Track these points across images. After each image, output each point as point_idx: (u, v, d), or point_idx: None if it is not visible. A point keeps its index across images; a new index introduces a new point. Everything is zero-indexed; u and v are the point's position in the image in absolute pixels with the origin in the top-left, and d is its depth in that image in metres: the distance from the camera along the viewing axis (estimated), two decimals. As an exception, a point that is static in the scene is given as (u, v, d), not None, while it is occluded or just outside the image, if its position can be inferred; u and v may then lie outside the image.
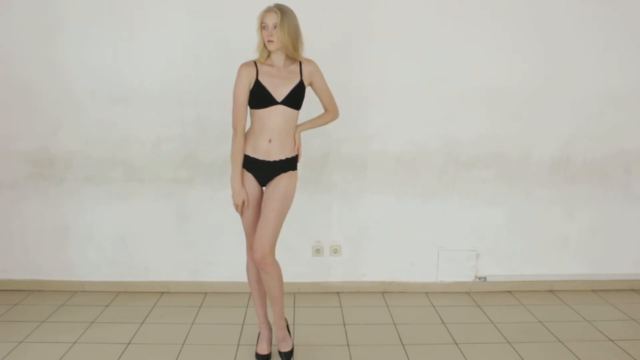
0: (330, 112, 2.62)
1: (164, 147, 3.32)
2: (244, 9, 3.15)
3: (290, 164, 2.53)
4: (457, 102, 3.30)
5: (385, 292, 3.49)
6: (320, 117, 2.62)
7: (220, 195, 3.36)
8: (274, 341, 2.71)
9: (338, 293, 3.48)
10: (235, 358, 2.64)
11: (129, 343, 2.79)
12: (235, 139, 2.46)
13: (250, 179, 2.52)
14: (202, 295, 3.42)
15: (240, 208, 2.51)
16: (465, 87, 3.29)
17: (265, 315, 2.69)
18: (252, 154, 2.49)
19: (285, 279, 2.61)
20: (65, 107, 3.27)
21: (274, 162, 2.49)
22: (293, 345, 2.69)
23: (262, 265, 2.46)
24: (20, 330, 2.91)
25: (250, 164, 2.50)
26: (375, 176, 3.37)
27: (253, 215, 2.54)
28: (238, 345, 2.78)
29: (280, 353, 2.63)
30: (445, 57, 3.25)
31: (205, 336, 2.88)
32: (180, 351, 2.70)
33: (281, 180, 2.50)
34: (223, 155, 3.32)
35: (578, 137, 3.38)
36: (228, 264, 3.44)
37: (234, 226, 3.38)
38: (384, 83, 3.28)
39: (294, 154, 2.54)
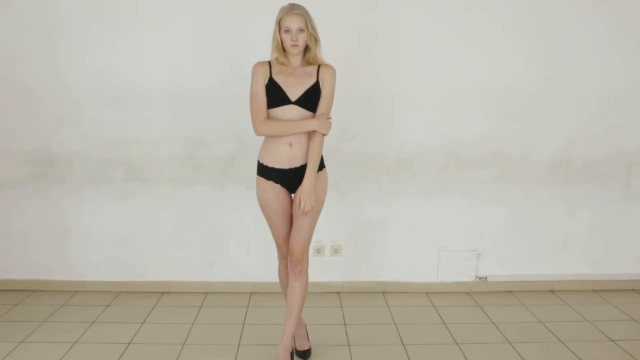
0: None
1: (164, 147, 3.31)
2: (243, 9, 3.16)
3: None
4: (457, 102, 3.30)
5: (386, 292, 3.48)
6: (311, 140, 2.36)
7: (220, 195, 3.36)
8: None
9: (338, 293, 3.47)
10: (235, 358, 2.64)
11: (129, 343, 2.79)
12: (264, 125, 2.31)
13: (277, 189, 2.41)
14: (202, 295, 3.42)
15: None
16: (465, 87, 3.28)
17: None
18: (275, 164, 2.37)
19: (286, 279, 2.61)
20: (66, 107, 3.26)
21: (301, 167, 2.37)
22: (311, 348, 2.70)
23: (295, 270, 2.43)
24: (21, 330, 2.91)
25: (275, 175, 2.39)
26: (376, 176, 3.37)
27: (285, 226, 2.46)
28: (239, 345, 2.77)
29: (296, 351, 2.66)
30: (445, 57, 3.25)
31: (206, 336, 2.87)
32: (180, 351, 2.70)
33: None
34: (223, 156, 3.33)
35: (578, 137, 3.38)
36: (228, 264, 3.45)
37: (234, 226, 3.41)
38: (384, 83, 3.27)
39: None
